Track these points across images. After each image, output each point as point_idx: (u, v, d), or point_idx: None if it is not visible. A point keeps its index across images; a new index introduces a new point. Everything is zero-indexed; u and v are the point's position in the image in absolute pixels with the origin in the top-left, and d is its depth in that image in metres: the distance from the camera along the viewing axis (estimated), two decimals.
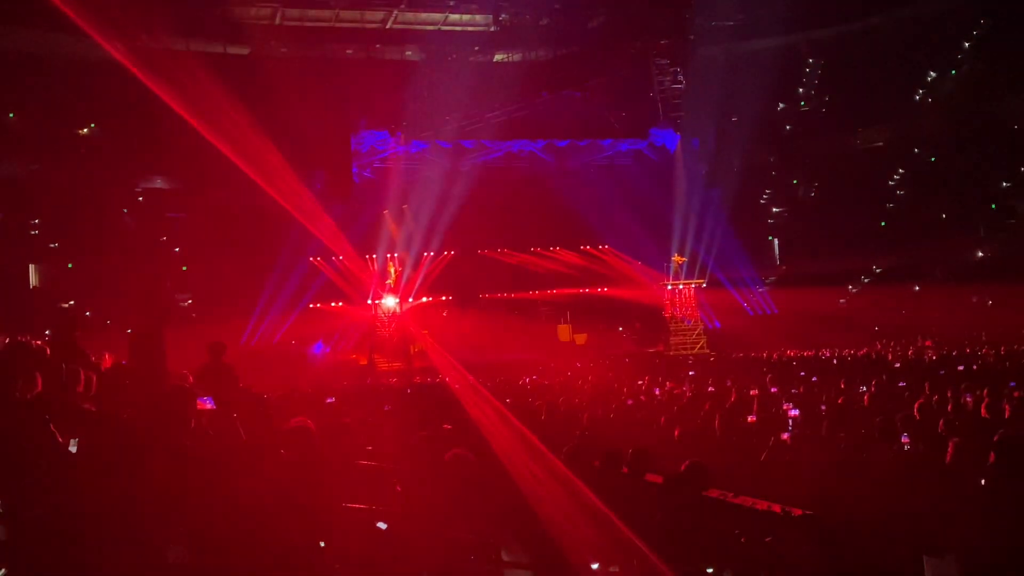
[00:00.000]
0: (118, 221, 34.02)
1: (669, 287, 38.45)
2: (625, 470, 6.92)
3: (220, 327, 22.25)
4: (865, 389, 13.87)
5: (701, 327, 38.41)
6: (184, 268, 34.86)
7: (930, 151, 40.02)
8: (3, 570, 3.98)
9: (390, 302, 36.44)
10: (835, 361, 24.43)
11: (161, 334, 8.27)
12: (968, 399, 11.16)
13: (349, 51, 36.95)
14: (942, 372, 17.80)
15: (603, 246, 39.61)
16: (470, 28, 38.48)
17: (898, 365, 20.85)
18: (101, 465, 4.58)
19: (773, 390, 14.73)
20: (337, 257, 35.83)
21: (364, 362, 33.74)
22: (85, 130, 33.38)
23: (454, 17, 37.80)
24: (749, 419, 9.83)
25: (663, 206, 38.37)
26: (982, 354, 23.22)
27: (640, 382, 19.34)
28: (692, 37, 38.65)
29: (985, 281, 35.97)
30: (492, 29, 38.03)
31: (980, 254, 38.30)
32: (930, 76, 40.47)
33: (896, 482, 6.17)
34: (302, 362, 31.80)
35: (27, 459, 4.32)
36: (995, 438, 6.47)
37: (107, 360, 9.73)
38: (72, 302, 30.33)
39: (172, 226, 35.15)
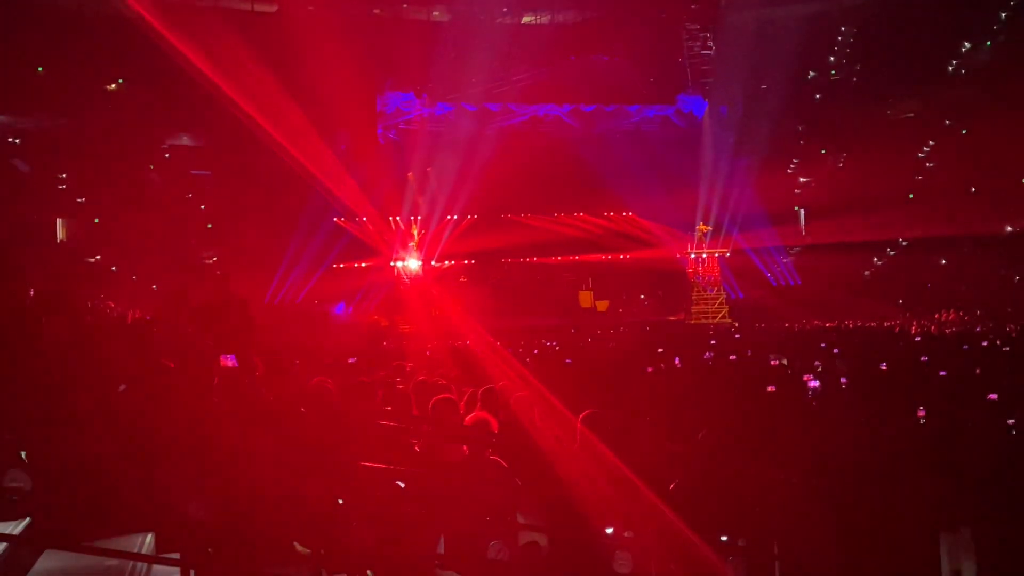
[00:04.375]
0: (144, 177, 34.19)
1: (693, 255, 38.30)
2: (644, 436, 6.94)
3: (244, 285, 22.32)
4: (885, 363, 13.81)
5: (723, 296, 38.30)
6: (209, 225, 35.03)
7: (961, 123, 39.37)
8: (27, 519, 4.06)
9: (413, 264, 36.54)
10: (857, 334, 24.28)
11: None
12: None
13: (376, 10, 36.67)
14: (965, 347, 17.68)
15: (627, 213, 39.40)
16: None
17: (919, 339, 20.71)
18: (123, 420, 4.65)
19: (794, 361, 14.67)
20: (361, 218, 35.86)
21: (385, 323, 33.90)
22: (113, 86, 33.46)
23: None
24: (769, 389, 9.83)
25: (689, 173, 38.10)
26: (1007, 330, 22.99)
27: (660, 349, 19.31)
28: (723, 2, 38.11)
29: (1013, 256, 35.59)
30: None
31: (1009, 229, 37.80)
32: (964, 47, 39.71)
33: (913, 456, 6.16)
34: (324, 321, 31.98)
35: (51, 410, 4.39)
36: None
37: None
38: (98, 256, 30.54)
39: (197, 183, 35.30)
